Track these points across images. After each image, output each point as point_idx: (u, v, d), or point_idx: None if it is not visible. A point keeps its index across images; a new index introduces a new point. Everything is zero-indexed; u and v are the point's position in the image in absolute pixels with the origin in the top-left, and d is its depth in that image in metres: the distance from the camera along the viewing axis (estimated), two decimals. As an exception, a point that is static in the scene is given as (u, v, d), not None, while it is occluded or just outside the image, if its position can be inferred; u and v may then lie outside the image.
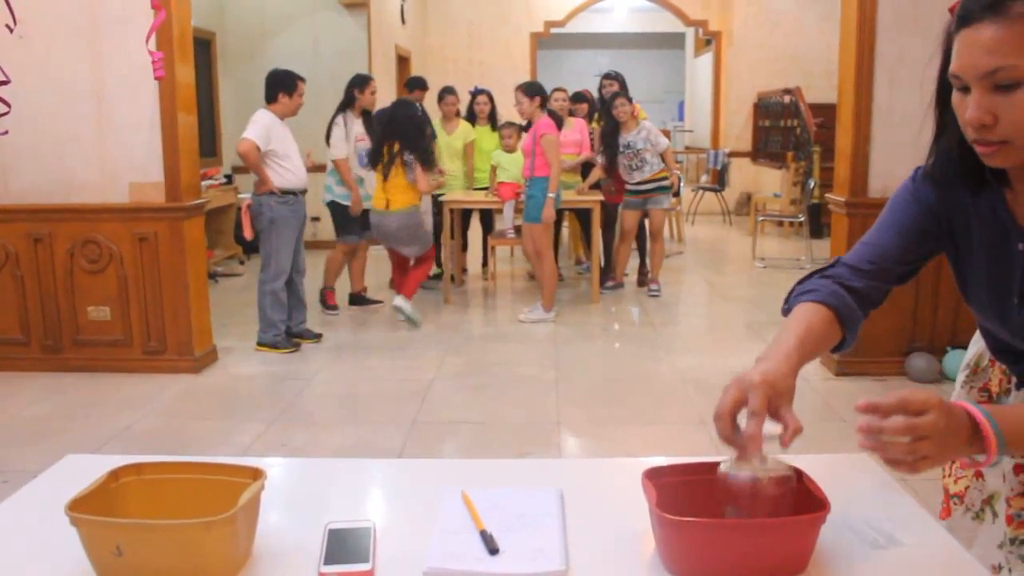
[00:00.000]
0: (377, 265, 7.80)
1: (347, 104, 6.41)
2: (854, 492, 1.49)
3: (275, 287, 5.48)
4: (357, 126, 6.41)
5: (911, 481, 1.74)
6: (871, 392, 4.64)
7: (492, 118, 7.61)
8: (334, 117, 6.36)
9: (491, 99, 7.62)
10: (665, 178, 7.00)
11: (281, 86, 5.46)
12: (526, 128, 6.69)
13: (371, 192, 6.23)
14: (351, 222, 6.42)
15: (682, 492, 1.34)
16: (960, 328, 4.86)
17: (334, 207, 6.40)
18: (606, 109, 7.05)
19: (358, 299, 6.81)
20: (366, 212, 6.31)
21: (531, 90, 6.27)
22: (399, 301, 6.03)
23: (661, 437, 4.19)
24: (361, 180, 6.38)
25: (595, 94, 7.80)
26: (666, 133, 12.76)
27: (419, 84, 7.48)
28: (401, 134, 5.93)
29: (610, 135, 6.99)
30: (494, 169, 7.00)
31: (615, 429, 4.33)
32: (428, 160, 5.96)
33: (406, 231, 6.01)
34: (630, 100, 6.97)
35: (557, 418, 4.40)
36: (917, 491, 1.59)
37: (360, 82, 6.43)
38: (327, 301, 6.61)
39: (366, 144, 6.36)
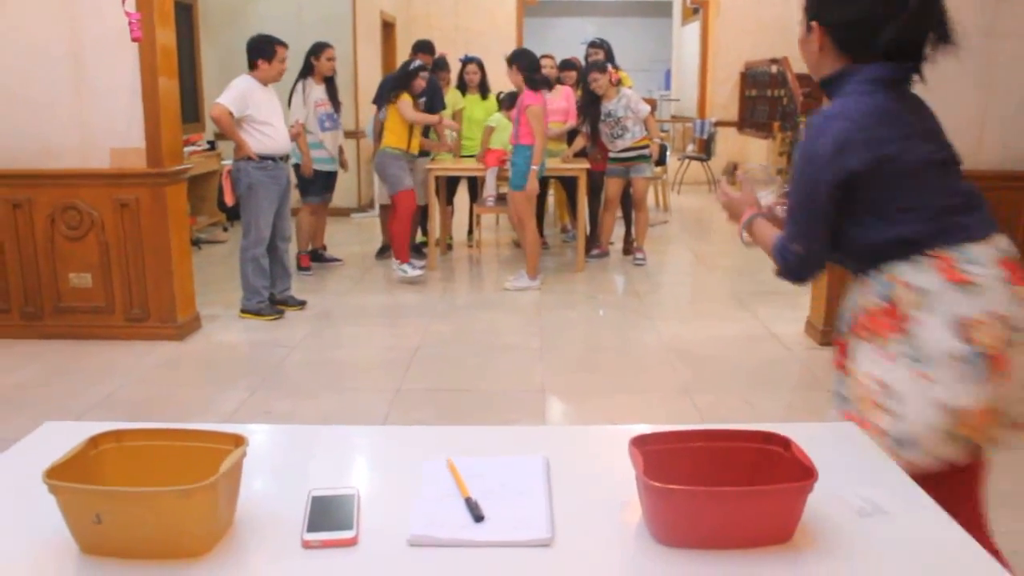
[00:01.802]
0: (367, 232, 7.75)
1: (306, 71, 6.59)
2: (841, 461, 1.48)
3: (256, 253, 5.44)
4: (318, 92, 6.61)
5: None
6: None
7: (483, 87, 7.56)
8: (294, 84, 6.54)
9: (481, 67, 7.56)
10: (646, 146, 6.97)
11: (260, 52, 5.42)
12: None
13: (332, 154, 6.77)
14: (312, 183, 6.67)
15: (668, 460, 1.33)
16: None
17: (299, 169, 6.54)
18: (583, 78, 7.02)
19: (317, 256, 7.11)
20: (328, 174, 6.78)
21: (512, 59, 6.24)
22: (393, 266, 6.61)
23: (645, 405, 4.19)
24: (320, 143, 6.63)
25: (583, 62, 7.74)
26: (652, 102, 12.75)
27: (422, 47, 7.40)
28: (392, 79, 6.64)
29: (589, 105, 6.96)
30: (489, 131, 6.93)
31: (599, 397, 4.34)
32: (401, 84, 6.47)
33: (376, 168, 6.74)
34: (615, 68, 6.93)
35: (542, 386, 4.40)
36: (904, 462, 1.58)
37: (316, 49, 6.59)
38: (300, 263, 6.82)
39: (326, 109, 6.65)
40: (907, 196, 1.84)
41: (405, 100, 6.34)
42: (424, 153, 6.93)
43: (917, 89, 2.04)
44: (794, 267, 1.95)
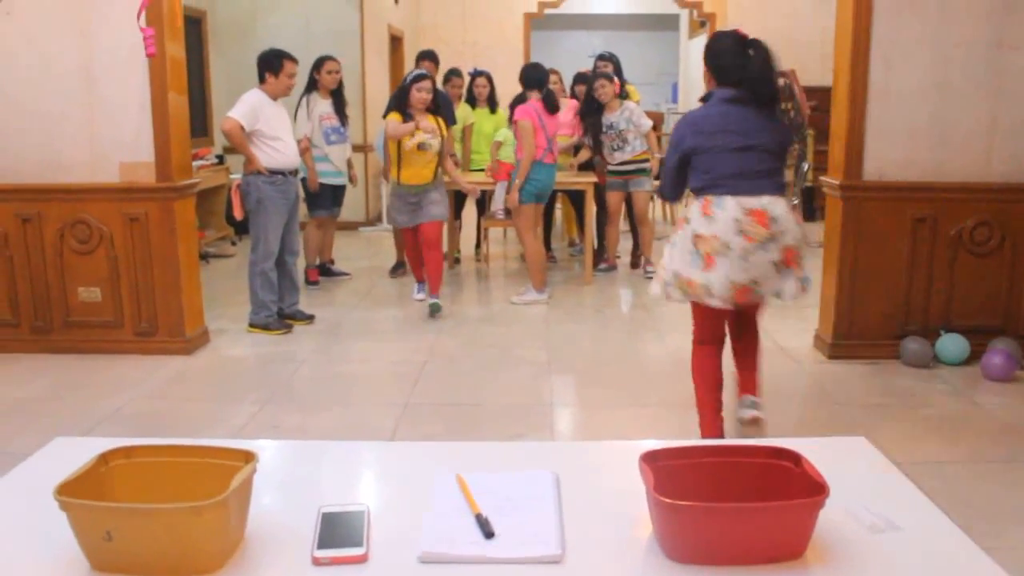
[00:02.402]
0: (375, 246, 7.74)
1: (311, 86, 6.59)
2: (852, 476, 1.48)
3: (264, 268, 5.45)
4: (323, 106, 6.61)
5: (908, 467, 1.73)
6: (864, 377, 4.66)
7: (491, 100, 7.57)
8: (299, 99, 6.53)
9: (490, 81, 7.58)
10: (646, 160, 6.97)
11: (268, 66, 5.43)
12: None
13: (339, 167, 6.73)
14: (320, 197, 6.69)
15: (679, 475, 1.33)
16: (954, 312, 4.86)
17: (306, 183, 6.55)
18: (588, 88, 7.01)
19: (325, 270, 7.12)
20: (335, 187, 6.77)
21: (525, 77, 6.40)
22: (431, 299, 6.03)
23: (654, 419, 4.18)
24: (326, 156, 6.62)
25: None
26: (659, 116, 12.75)
27: (425, 56, 7.41)
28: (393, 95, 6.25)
29: (591, 114, 6.96)
30: (496, 146, 6.94)
31: (608, 411, 4.33)
32: (395, 101, 5.92)
33: None
34: (622, 81, 6.93)
35: (550, 400, 4.39)
36: (915, 477, 1.58)
37: (317, 63, 6.59)
38: (308, 278, 6.85)
39: (331, 123, 6.63)
40: (706, 165, 3.31)
41: (391, 119, 5.72)
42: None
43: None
44: (667, 195, 3.60)
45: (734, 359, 3.71)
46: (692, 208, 3.32)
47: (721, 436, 3.57)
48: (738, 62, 3.32)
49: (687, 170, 3.37)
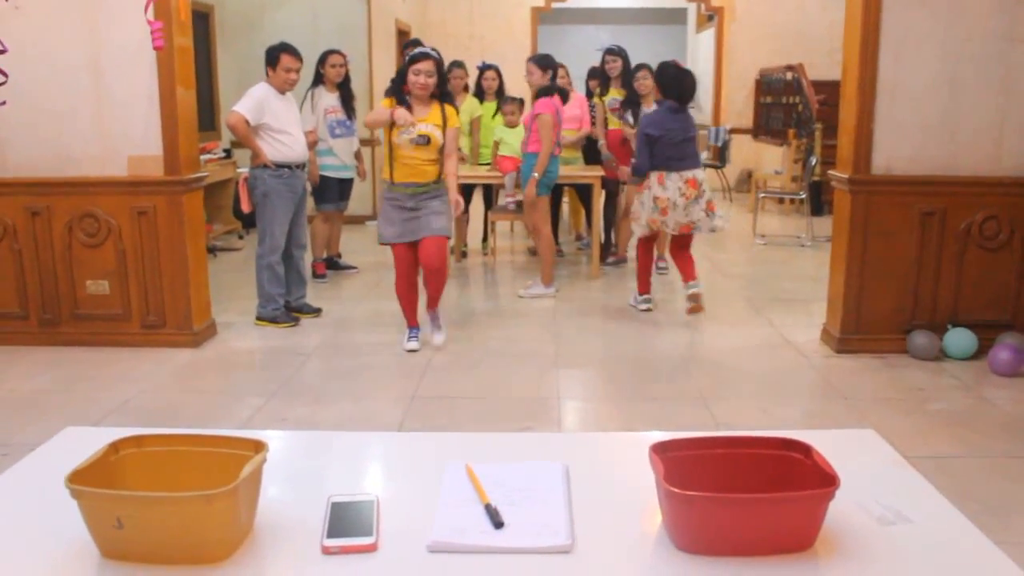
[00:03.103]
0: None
1: (317, 80, 6.61)
2: (862, 468, 1.47)
3: (271, 261, 5.46)
4: (329, 99, 6.60)
5: (915, 461, 1.72)
6: (872, 371, 4.65)
7: (500, 94, 7.55)
8: (305, 93, 6.54)
9: (499, 74, 7.56)
10: None
11: (268, 60, 5.46)
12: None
13: (345, 161, 6.70)
14: (327, 190, 6.69)
15: (688, 467, 1.33)
16: (961, 306, 4.85)
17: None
18: (627, 82, 6.96)
19: (332, 264, 7.15)
20: (342, 181, 6.77)
21: (544, 62, 6.27)
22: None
23: (661, 413, 4.18)
24: (330, 150, 6.62)
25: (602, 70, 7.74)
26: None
27: (411, 43, 7.37)
28: None
29: (631, 105, 6.89)
30: (497, 144, 6.96)
31: (615, 404, 4.33)
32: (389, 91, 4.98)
33: None
34: (630, 75, 6.91)
35: (557, 393, 4.39)
36: (923, 471, 1.57)
37: (322, 57, 6.61)
38: (315, 271, 6.87)
39: (337, 116, 6.62)
40: (660, 150, 5.41)
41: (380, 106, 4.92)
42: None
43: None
44: (642, 171, 5.47)
45: (676, 262, 5.79)
46: (652, 178, 5.49)
47: (649, 291, 5.92)
48: (677, 83, 5.53)
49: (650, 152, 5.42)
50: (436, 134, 4.76)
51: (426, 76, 4.70)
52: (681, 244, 5.71)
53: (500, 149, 6.92)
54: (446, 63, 6.34)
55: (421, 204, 4.81)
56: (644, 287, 5.91)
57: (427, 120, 4.75)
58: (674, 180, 5.41)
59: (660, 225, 5.51)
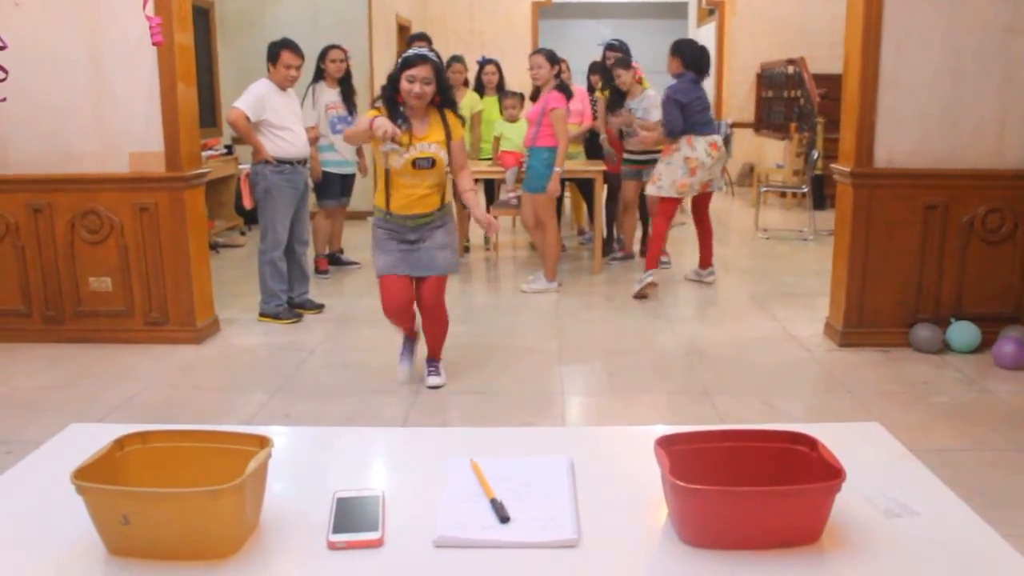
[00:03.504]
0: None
1: (318, 75, 6.60)
2: (867, 462, 1.47)
3: (273, 256, 5.46)
4: (330, 95, 6.59)
5: (918, 454, 1.72)
6: (875, 364, 4.65)
7: (500, 88, 7.54)
8: (306, 89, 6.53)
9: (499, 69, 7.56)
10: (660, 151, 6.94)
11: (269, 56, 5.48)
12: (534, 97, 6.62)
13: (346, 156, 6.67)
14: (329, 186, 6.69)
15: (694, 460, 1.33)
16: (965, 300, 4.84)
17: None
18: (608, 78, 7.01)
19: (335, 260, 7.16)
20: (344, 176, 6.76)
21: (553, 57, 6.25)
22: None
23: (664, 407, 4.18)
24: (331, 145, 6.59)
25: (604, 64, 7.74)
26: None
27: (417, 37, 7.35)
28: None
29: (617, 100, 6.92)
30: (497, 140, 6.95)
31: (618, 399, 4.33)
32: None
33: None
34: (629, 65, 6.88)
35: (561, 388, 4.39)
36: (926, 464, 1.57)
37: (322, 53, 6.60)
38: (318, 267, 6.86)
39: (338, 111, 6.60)
40: (691, 114, 5.95)
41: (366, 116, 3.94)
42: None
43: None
44: (673, 132, 5.98)
45: (703, 239, 6.62)
46: (681, 142, 6.02)
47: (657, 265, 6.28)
48: (698, 58, 6.12)
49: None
50: (441, 154, 3.92)
51: (422, 84, 3.80)
52: (705, 204, 6.50)
53: (501, 144, 6.92)
54: (445, 58, 6.26)
55: (424, 235, 4.04)
56: (654, 262, 6.22)
57: (428, 138, 3.90)
58: (701, 143, 5.99)
59: (687, 189, 6.06)
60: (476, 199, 4.26)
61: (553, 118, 6.00)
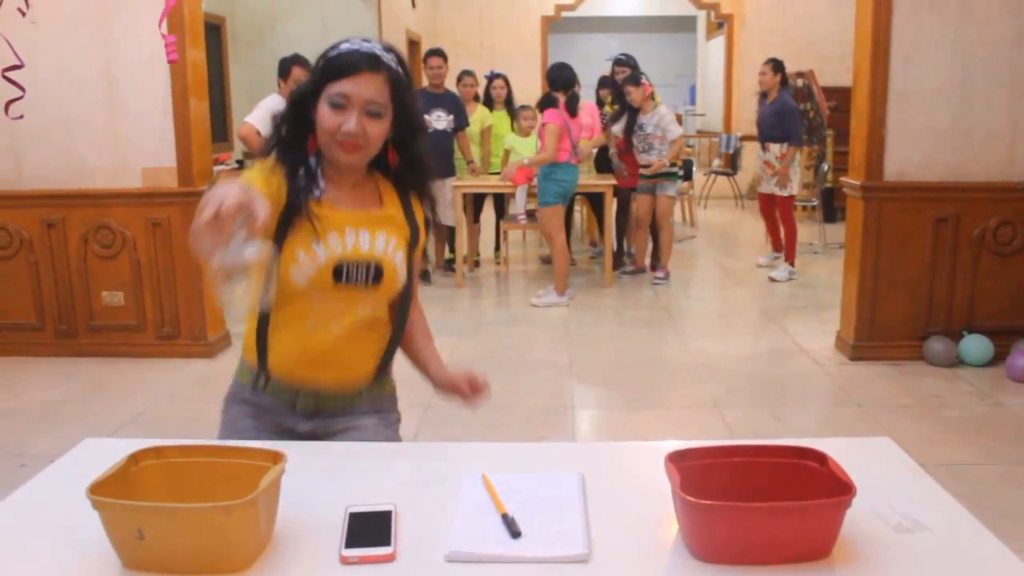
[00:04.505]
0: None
1: None
2: (878, 476, 1.47)
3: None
4: None
5: (931, 468, 1.72)
6: (887, 378, 4.63)
7: (509, 102, 7.57)
8: None
9: (507, 83, 7.58)
10: (674, 164, 6.96)
11: (280, 72, 5.55)
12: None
13: None
14: None
15: (704, 475, 1.33)
16: (977, 313, 4.83)
17: None
18: (619, 95, 7.04)
19: None
20: None
21: (547, 77, 6.48)
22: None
23: (675, 421, 4.17)
24: None
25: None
26: (676, 117, 12.71)
27: (433, 52, 7.36)
28: None
29: (627, 116, 6.94)
30: (507, 153, 6.98)
31: (629, 413, 4.32)
32: None
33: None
34: (639, 82, 6.90)
35: (571, 403, 4.39)
36: (938, 478, 1.57)
37: None
38: None
39: None
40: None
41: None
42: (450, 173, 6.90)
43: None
44: (799, 140, 7.51)
45: (784, 229, 7.48)
46: (794, 155, 7.35)
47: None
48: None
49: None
50: (394, 258, 1.90)
51: (363, 116, 1.76)
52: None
53: (511, 158, 6.94)
54: (457, 71, 6.60)
55: (332, 429, 2.06)
56: (793, 253, 7.34)
57: (370, 223, 1.86)
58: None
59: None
60: (435, 350, 2.38)
61: (545, 132, 6.16)
